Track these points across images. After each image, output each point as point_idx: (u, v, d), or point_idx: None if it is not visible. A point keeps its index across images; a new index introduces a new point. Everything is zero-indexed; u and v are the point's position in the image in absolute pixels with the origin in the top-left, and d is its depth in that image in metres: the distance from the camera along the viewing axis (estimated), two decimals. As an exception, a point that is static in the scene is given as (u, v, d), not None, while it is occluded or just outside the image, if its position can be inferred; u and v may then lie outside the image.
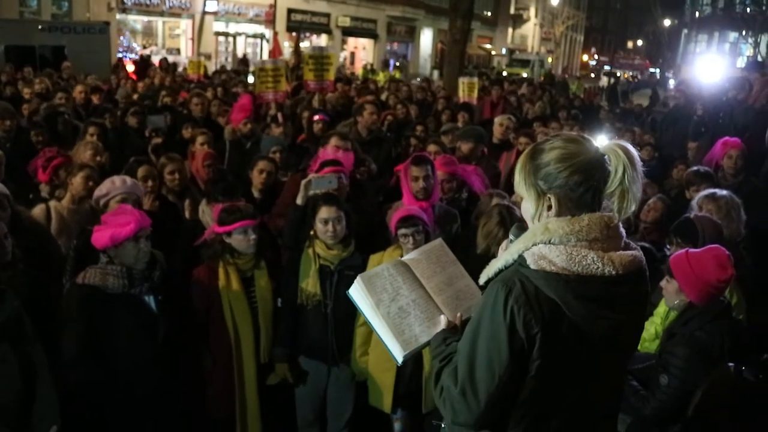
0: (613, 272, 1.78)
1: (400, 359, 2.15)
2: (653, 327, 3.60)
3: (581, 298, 1.76)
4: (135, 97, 10.21)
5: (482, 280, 1.98)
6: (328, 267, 3.78)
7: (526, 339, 1.75)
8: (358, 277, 2.24)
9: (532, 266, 1.78)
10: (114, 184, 4.20)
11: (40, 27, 18.64)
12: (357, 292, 2.23)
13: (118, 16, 26.06)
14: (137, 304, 3.29)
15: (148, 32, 29.78)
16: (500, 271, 1.90)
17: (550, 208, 1.85)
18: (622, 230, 1.90)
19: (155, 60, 20.26)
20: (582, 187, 1.81)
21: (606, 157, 1.83)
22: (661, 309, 3.54)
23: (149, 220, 3.31)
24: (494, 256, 2.05)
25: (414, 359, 3.46)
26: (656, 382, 2.99)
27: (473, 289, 2.37)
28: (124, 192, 4.16)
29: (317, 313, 3.80)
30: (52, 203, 4.39)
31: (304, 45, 29.19)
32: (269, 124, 7.53)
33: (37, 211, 4.26)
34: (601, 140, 1.94)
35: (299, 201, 4.16)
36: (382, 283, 2.23)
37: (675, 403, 2.92)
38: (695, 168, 5.65)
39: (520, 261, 1.83)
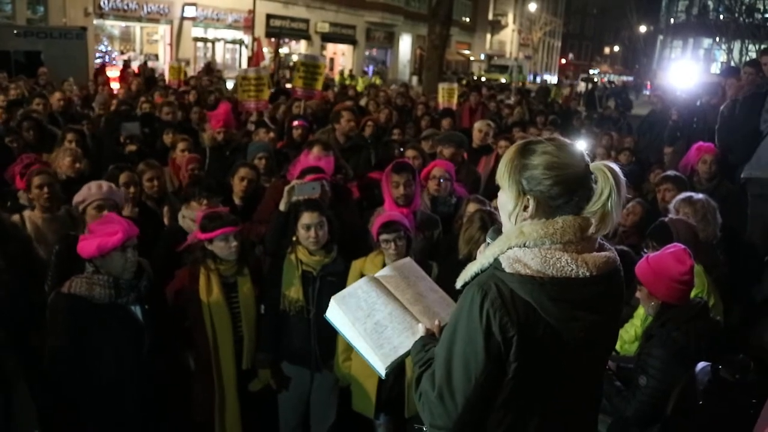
0: (587, 273, 1.80)
1: (383, 373, 2.17)
2: (633, 329, 3.65)
3: (556, 300, 1.77)
4: (113, 103, 10.08)
5: (459, 284, 1.97)
6: (311, 273, 3.79)
7: (502, 342, 1.76)
8: (332, 300, 2.26)
9: (507, 269, 1.79)
10: (90, 191, 4.15)
11: (15, 32, 18.27)
12: (334, 313, 2.25)
13: (95, 22, 25.77)
14: (124, 315, 3.24)
15: (126, 38, 29.49)
16: (476, 275, 1.91)
17: (526, 208, 1.86)
18: None
19: (133, 66, 20.07)
20: (562, 199, 1.83)
21: (593, 176, 1.85)
22: (641, 311, 3.57)
23: (137, 230, 3.27)
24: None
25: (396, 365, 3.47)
26: (635, 382, 3.03)
27: (447, 300, 2.40)
28: (100, 198, 4.10)
29: (300, 319, 3.80)
30: (27, 213, 4.32)
31: (283, 51, 29.06)
32: (255, 130, 7.47)
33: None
34: (582, 145, 1.95)
35: (282, 207, 4.14)
36: (356, 301, 2.25)
37: (654, 404, 2.96)
38: (666, 173, 5.80)
39: (496, 264, 1.84)
